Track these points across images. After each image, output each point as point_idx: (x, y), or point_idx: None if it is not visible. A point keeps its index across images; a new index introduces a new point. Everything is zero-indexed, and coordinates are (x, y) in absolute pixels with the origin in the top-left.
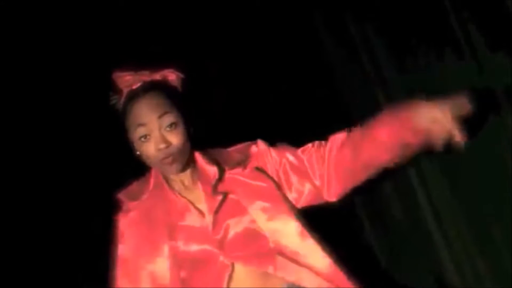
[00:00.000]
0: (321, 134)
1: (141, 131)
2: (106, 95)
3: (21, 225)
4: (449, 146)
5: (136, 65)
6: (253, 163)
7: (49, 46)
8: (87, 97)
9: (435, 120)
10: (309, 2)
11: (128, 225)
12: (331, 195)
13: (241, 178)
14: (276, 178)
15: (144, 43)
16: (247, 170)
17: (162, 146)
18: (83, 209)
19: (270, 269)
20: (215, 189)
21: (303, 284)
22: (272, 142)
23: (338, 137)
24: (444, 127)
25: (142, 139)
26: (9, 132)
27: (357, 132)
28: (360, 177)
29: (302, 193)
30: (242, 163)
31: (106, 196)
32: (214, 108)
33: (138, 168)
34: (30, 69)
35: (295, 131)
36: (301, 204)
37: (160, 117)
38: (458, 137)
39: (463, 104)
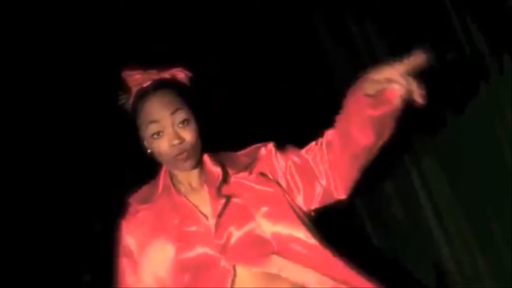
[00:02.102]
0: (321, 134)
1: (153, 128)
2: (109, 96)
3: (23, 225)
4: (448, 144)
5: (136, 65)
6: (259, 167)
7: (51, 47)
8: (90, 98)
9: (389, 79)
10: (309, 2)
11: (135, 226)
12: (340, 192)
13: (247, 183)
14: (284, 182)
15: (144, 43)
16: (253, 175)
17: (176, 142)
18: (86, 209)
19: (274, 270)
20: (219, 191)
21: (307, 285)
22: (272, 142)
23: (328, 133)
24: (400, 83)
25: (155, 136)
26: (13, 133)
27: (335, 124)
28: (356, 167)
29: (313, 195)
30: (249, 167)
31: (109, 196)
32: (214, 108)
33: (139, 169)
34: (36, 69)
35: (295, 131)
36: (314, 205)
37: (172, 113)
38: (417, 92)
39: (417, 57)
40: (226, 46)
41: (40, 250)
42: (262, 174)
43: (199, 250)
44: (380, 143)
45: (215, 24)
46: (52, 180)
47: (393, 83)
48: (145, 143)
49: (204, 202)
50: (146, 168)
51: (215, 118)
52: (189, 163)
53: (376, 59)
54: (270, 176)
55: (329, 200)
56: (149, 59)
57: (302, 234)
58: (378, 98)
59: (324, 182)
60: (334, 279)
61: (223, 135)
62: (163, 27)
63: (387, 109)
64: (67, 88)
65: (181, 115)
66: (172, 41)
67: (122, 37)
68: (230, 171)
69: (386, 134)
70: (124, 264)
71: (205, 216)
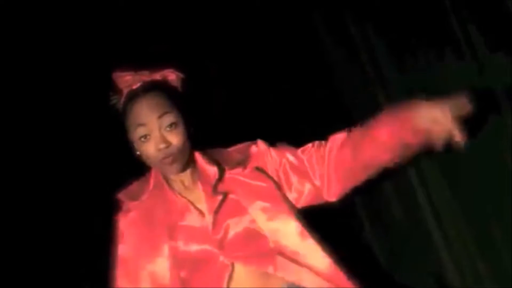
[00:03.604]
0: (321, 134)
1: (141, 131)
2: (105, 96)
3: (22, 225)
4: (449, 146)
5: (135, 65)
6: (253, 163)
7: (48, 47)
8: (87, 98)
9: (435, 120)
10: (309, 2)
11: (128, 225)
12: (331, 195)
13: (241, 178)
14: (276, 178)
15: (144, 43)
16: (247, 170)
17: (162, 146)
18: (83, 209)
19: (270, 269)
20: (215, 189)
21: (303, 284)
22: (272, 142)
23: (338, 137)
24: (444, 127)
25: (142, 139)
26: (9, 133)
27: (356, 132)
28: (360, 177)
29: (302, 193)
30: (242, 163)
31: (106, 196)
32: (214, 108)
33: (137, 168)
34: (29, 69)
35: (295, 131)
36: (301, 204)
37: (160, 117)
38: (458, 137)
39: (463, 104)
40: (226, 46)
41: (40, 250)
42: (257, 169)
43: (198, 246)
44: (394, 163)
45: (215, 24)
46: (52, 180)
47: (438, 125)
48: (134, 145)
49: (199, 200)
50: (146, 168)
51: (213, 118)
52: (175, 167)
53: (376, 59)
54: (264, 172)
55: (317, 201)
56: (149, 59)
57: (296, 229)
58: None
59: (317, 182)
60: (328, 279)
61: (223, 135)
62: (163, 27)
63: (424, 141)
64: (67, 88)
65: (168, 118)
66: (172, 41)
67: (122, 37)
68: (225, 168)
69: (405, 158)
70: (121, 262)
71: (202, 212)
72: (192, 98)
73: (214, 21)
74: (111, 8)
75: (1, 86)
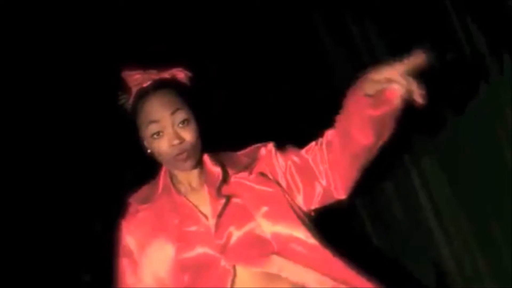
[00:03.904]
0: (321, 134)
1: (153, 128)
2: (109, 96)
3: (23, 225)
4: (449, 147)
5: (136, 66)
6: (259, 167)
7: (51, 47)
8: (91, 98)
9: (390, 79)
10: (309, 2)
11: (135, 226)
12: (340, 192)
13: (247, 183)
14: (284, 182)
15: (144, 44)
16: (253, 175)
17: (176, 142)
18: (86, 209)
19: (274, 270)
20: (219, 192)
21: (307, 285)
22: (272, 142)
23: (329, 133)
24: (401, 84)
25: (155, 136)
26: (13, 133)
27: (335, 124)
28: (356, 167)
29: (313, 195)
30: (249, 166)
31: (110, 196)
32: (214, 108)
33: (140, 169)
34: (36, 70)
35: (295, 131)
36: (314, 205)
37: (172, 113)
38: (417, 93)
39: (417, 57)
40: (226, 46)
41: (40, 250)
42: (262, 174)
43: (199, 250)
44: (380, 143)
45: (215, 24)
46: (52, 180)
47: (393, 83)
48: (145, 143)
49: (204, 202)
50: (146, 168)
51: (215, 118)
52: (189, 163)
53: (376, 59)
54: (270, 176)
55: (329, 200)
56: (149, 59)
57: (302, 234)
58: (378, 98)
59: (324, 182)
60: (334, 279)
61: (223, 135)
62: (163, 27)
63: (387, 109)
64: (67, 88)
65: (181, 115)
66: (172, 41)
67: (122, 37)
68: (230, 171)
69: (386, 134)
70: (124, 264)
71: (205, 216)
72: (200, 96)
73: (214, 21)
74: (111, 8)
75: (6, 86)
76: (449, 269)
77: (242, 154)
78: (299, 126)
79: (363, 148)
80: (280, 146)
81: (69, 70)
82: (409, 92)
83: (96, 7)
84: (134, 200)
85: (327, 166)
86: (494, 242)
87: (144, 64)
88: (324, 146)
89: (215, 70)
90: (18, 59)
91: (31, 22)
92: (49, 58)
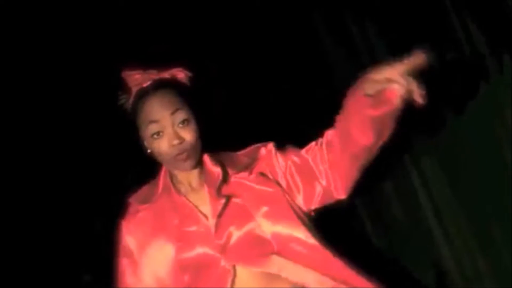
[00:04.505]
0: (321, 134)
1: (153, 128)
2: (109, 96)
3: (23, 225)
4: (449, 147)
5: (137, 65)
6: (259, 167)
7: (51, 47)
8: (91, 98)
9: (389, 79)
10: (309, 2)
11: (135, 226)
12: (340, 192)
13: (247, 183)
14: (284, 182)
15: (144, 43)
16: (253, 175)
17: (176, 142)
18: (86, 209)
19: (274, 270)
20: (219, 191)
21: (307, 285)
22: (272, 142)
23: (329, 133)
24: (400, 84)
25: (155, 136)
26: (13, 133)
27: (335, 124)
28: (356, 167)
29: (313, 195)
30: (249, 166)
31: (110, 196)
32: (214, 108)
33: (140, 169)
34: (36, 70)
35: (295, 131)
36: (314, 205)
37: (172, 113)
38: (417, 92)
39: (417, 57)
40: (226, 46)
41: (40, 250)
42: (262, 174)
43: (199, 250)
44: (380, 143)
45: (215, 24)
46: (52, 180)
47: (393, 83)
48: (145, 143)
49: (204, 202)
50: (146, 168)
51: (215, 118)
52: (189, 163)
53: (376, 59)
54: (270, 176)
55: (329, 200)
56: (149, 59)
57: (302, 234)
58: (378, 98)
59: (324, 182)
60: (334, 279)
61: (223, 135)
62: (163, 27)
63: (387, 109)
64: (67, 88)
65: (181, 115)
66: (172, 41)
67: (122, 37)
68: (230, 171)
69: (386, 134)
70: (124, 264)
71: (205, 216)
72: (200, 96)
73: (214, 21)
74: (111, 8)
75: (6, 86)
76: (449, 269)
77: (242, 154)
78: (299, 126)
79: (363, 148)
80: (280, 146)
81: (69, 70)
82: (409, 92)
83: (96, 7)
84: (134, 200)
85: (327, 166)
86: (494, 242)
87: (144, 64)
88: (324, 146)
89: (215, 70)
90: (18, 59)
91: (31, 22)
92: (49, 58)
